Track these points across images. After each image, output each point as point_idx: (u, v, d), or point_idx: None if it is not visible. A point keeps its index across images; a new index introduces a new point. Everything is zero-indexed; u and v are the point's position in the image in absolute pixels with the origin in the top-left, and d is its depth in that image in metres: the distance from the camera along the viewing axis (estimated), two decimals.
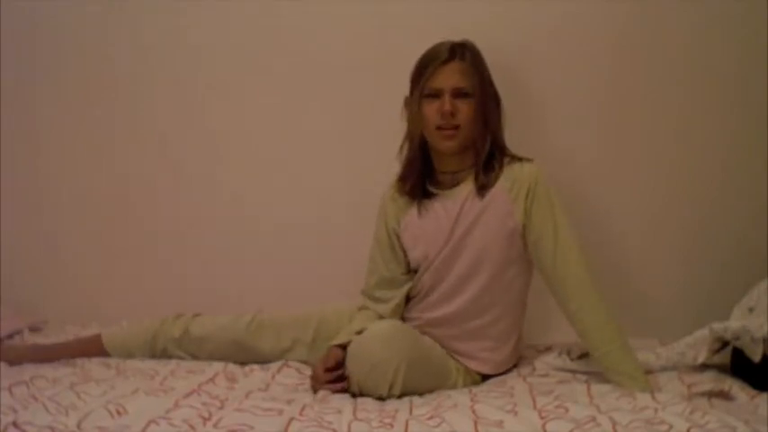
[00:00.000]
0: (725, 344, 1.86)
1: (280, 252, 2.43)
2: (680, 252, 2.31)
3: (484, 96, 1.95)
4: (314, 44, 2.37)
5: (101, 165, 2.50)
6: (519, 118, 2.14)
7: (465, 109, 1.92)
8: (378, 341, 1.80)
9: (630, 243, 2.31)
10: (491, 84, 1.98)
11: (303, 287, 2.39)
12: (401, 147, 2.03)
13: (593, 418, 1.52)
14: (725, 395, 1.73)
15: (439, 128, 1.93)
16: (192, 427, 1.53)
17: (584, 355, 1.95)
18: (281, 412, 1.61)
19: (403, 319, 2.02)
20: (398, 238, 2.04)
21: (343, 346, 1.89)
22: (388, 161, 2.04)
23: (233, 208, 2.45)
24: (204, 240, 2.47)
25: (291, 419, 1.56)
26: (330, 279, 2.35)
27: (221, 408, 1.66)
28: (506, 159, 1.97)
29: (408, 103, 2.01)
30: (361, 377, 1.78)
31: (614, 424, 1.49)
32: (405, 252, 2.04)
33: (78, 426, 1.52)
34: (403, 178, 2.04)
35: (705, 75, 2.26)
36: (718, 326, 1.84)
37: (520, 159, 1.97)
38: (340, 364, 1.86)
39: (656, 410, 1.57)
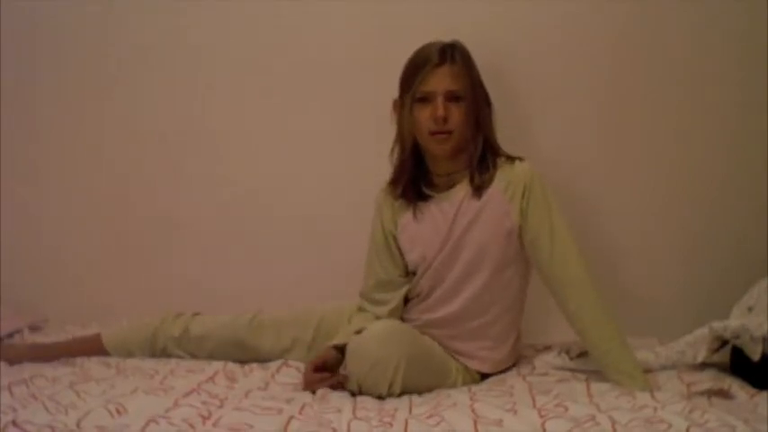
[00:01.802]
0: (724, 343, 1.86)
1: (280, 252, 2.43)
2: (680, 252, 2.31)
3: (475, 98, 1.94)
4: (314, 44, 2.37)
5: (101, 165, 2.50)
6: (518, 118, 2.14)
7: (457, 112, 1.91)
8: (377, 340, 1.80)
9: (630, 243, 2.31)
10: (481, 85, 1.97)
11: (303, 287, 2.38)
12: (392, 149, 2.02)
13: (593, 417, 1.52)
14: (724, 394, 1.73)
15: (432, 133, 1.92)
16: (191, 425, 1.53)
17: (583, 354, 1.95)
18: (280, 411, 1.61)
19: (402, 319, 2.02)
20: (395, 240, 2.04)
21: (339, 348, 1.89)
22: (388, 161, 2.04)
23: (233, 208, 2.45)
24: (204, 240, 2.47)
25: (291, 418, 1.56)
26: (330, 279, 2.34)
27: (221, 407, 1.66)
28: (500, 159, 1.96)
29: (397, 106, 1.99)
30: (361, 376, 1.78)
31: (614, 423, 1.49)
32: (402, 254, 2.03)
33: (78, 425, 1.52)
34: (394, 182, 2.03)
35: (705, 75, 2.26)
36: (717, 325, 1.84)
37: (513, 159, 1.96)
38: (331, 364, 1.87)
39: (655, 409, 1.57)
